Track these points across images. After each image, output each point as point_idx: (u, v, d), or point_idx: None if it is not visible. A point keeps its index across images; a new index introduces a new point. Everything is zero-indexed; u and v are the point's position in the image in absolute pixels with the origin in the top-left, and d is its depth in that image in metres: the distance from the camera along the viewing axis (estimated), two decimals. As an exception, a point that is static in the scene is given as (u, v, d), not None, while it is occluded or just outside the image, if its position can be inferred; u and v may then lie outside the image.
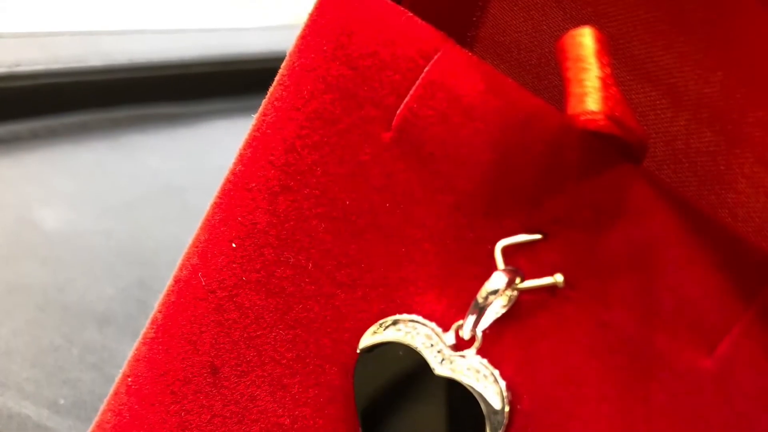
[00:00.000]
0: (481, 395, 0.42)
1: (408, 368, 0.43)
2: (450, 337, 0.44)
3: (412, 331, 0.44)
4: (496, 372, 0.43)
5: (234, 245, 0.46)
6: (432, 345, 0.43)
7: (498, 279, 0.42)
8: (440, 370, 0.43)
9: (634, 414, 0.42)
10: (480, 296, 0.43)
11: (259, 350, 0.46)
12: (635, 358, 0.42)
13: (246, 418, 0.45)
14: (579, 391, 0.43)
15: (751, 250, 0.43)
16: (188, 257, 0.47)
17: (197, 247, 0.47)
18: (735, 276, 0.42)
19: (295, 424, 0.45)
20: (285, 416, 0.45)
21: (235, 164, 0.47)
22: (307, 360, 0.45)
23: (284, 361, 0.45)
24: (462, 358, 0.43)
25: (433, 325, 0.44)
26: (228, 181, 0.47)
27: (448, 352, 0.43)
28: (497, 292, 0.42)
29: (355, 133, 0.46)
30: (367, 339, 0.44)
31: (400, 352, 0.43)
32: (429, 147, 0.45)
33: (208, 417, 0.45)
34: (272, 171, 0.46)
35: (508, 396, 0.42)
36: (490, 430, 0.42)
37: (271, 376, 0.45)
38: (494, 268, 0.43)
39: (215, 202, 0.47)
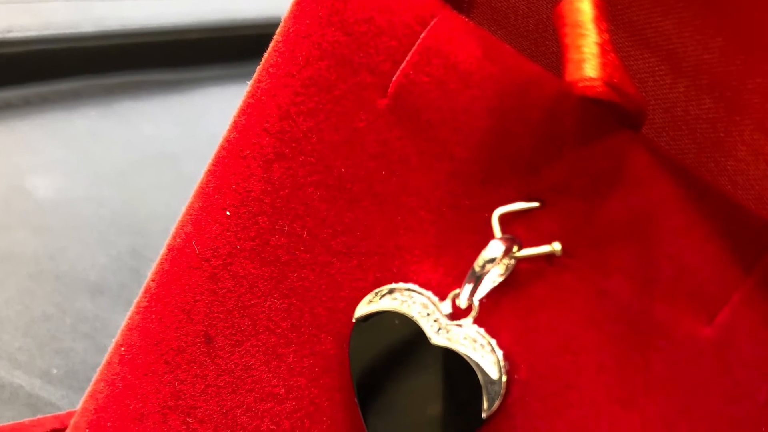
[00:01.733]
0: (477, 365, 0.42)
1: (404, 337, 0.43)
2: (446, 306, 0.43)
3: (408, 300, 0.43)
4: (493, 341, 0.42)
5: (228, 213, 0.46)
6: (428, 314, 0.43)
7: (495, 247, 0.42)
8: (436, 339, 0.43)
9: (633, 383, 0.42)
10: (477, 265, 0.42)
11: (253, 319, 0.45)
12: (634, 326, 0.42)
13: (240, 388, 0.45)
14: (577, 360, 0.43)
15: (751, 217, 0.42)
16: (182, 225, 0.47)
17: (191, 215, 0.47)
18: (735, 244, 0.42)
19: (290, 393, 0.45)
20: (280, 386, 0.45)
21: (230, 131, 0.47)
22: (302, 329, 0.45)
23: (279, 331, 0.45)
24: (458, 328, 0.43)
25: (429, 293, 0.44)
26: (222, 148, 0.47)
27: (445, 321, 0.43)
28: (494, 260, 0.42)
29: (351, 99, 0.45)
30: (363, 308, 0.44)
31: (396, 322, 0.43)
32: (425, 114, 0.44)
33: (202, 387, 0.45)
34: (267, 138, 0.46)
35: (505, 365, 0.42)
36: (487, 399, 0.42)
37: (266, 346, 0.45)
38: (491, 236, 0.43)
39: (209, 170, 0.47)
